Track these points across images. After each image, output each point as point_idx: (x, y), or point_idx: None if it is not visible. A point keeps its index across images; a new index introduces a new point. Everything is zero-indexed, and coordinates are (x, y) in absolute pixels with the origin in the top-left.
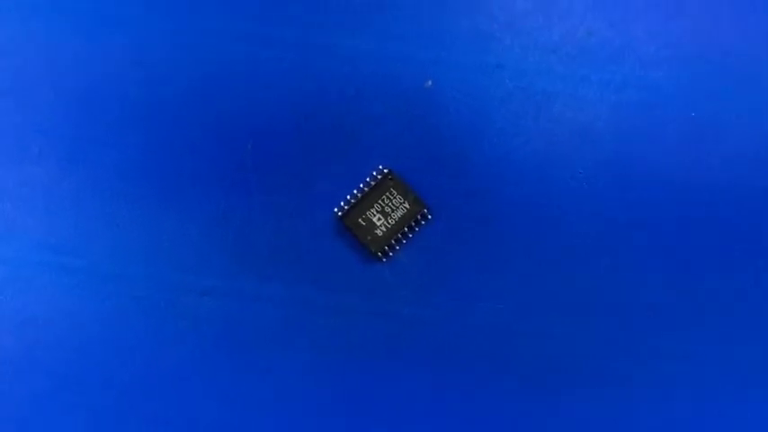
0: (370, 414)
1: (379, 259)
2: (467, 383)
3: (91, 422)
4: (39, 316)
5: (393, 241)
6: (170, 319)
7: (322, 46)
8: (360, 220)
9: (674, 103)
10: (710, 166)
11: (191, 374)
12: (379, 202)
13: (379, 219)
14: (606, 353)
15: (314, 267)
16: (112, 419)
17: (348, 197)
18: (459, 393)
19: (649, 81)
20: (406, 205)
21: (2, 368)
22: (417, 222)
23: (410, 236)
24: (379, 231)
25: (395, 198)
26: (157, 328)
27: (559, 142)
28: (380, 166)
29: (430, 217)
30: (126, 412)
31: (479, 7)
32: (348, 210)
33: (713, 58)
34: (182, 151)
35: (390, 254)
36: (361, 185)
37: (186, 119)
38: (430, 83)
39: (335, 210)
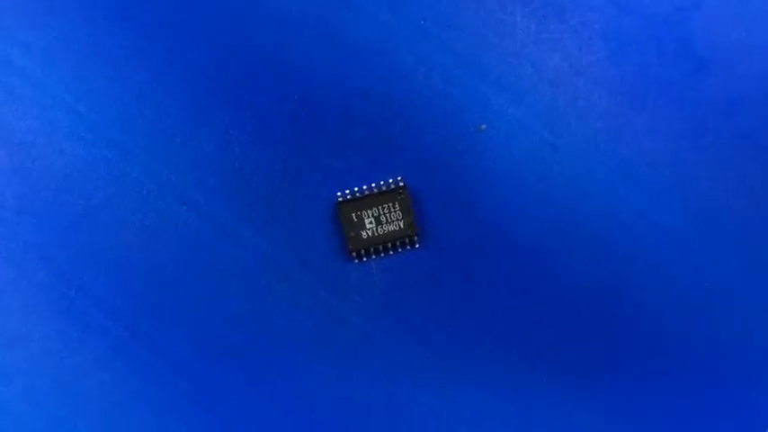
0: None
1: (352, 259)
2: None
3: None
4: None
5: (372, 249)
6: (148, 210)
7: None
8: (353, 214)
9: None
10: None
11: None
12: (379, 208)
13: (371, 223)
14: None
15: (295, 235)
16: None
17: (356, 188)
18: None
19: None
20: (401, 224)
21: None
22: (403, 244)
23: (390, 252)
24: (364, 234)
25: (394, 212)
26: (134, 212)
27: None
28: (399, 177)
29: (417, 246)
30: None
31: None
32: (348, 200)
33: None
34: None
35: (364, 258)
36: (373, 185)
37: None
38: (484, 126)
39: (338, 194)
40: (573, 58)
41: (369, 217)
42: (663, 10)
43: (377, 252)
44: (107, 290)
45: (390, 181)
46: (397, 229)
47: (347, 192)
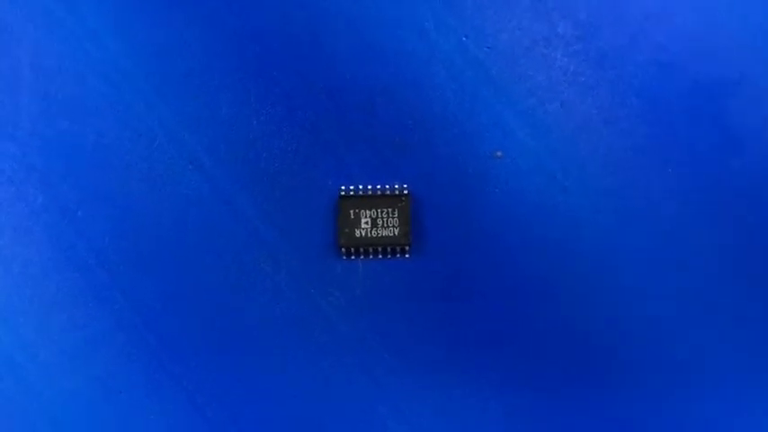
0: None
1: (341, 254)
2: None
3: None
4: None
5: (362, 249)
6: (155, 161)
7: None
8: (352, 211)
9: None
10: None
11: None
12: (378, 210)
13: (367, 223)
14: None
15: (291, 218)
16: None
17: (360, 186)
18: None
19: None
20: (396, 231)
21: None
22: (393, 251)
23: (380, 256)
24: (357, 232)
25: (392, 218)
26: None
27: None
28: (405, 185)
29: (407, 256)
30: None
31: None
32: (350, 196)
33: None
34: None
35: (353, 257)
36: (378, 186)
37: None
38: (500, 154)
39: (342, 187)
40: (604, 107)
41: (366, 217)
42: (704, 80)
43: (366, 253)
44: (98, 228)
45: (396, 186)
46: (391, 235)
47: (351, 187)
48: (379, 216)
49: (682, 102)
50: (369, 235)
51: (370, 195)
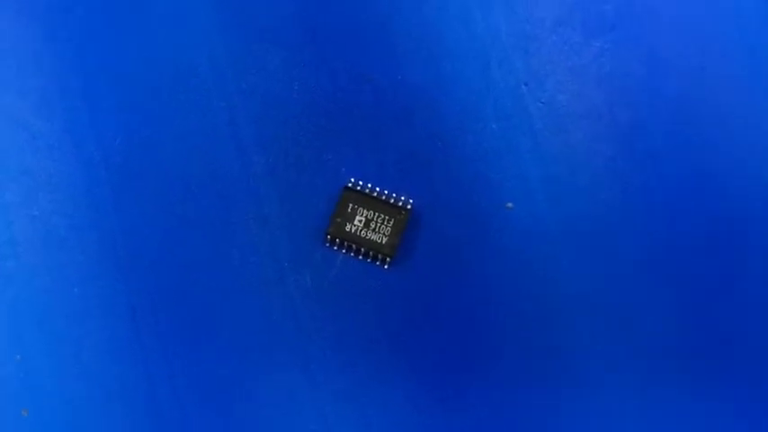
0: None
1: (325, 241)
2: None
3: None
4: None
5: (346, 243)
6: (191, 87)
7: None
8: (351, 204)
9: None
10: None
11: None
12: (376, 214)
13: (360, 221)
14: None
15: (294, 190)
16: None
17: (369, 185)
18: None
19: None
20: (384, 239)
21: None
22: (375, 257)
23: (360, 257)
24: (348, 227)
25: (386, 227)
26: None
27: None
28: (411, 200)
29: (385, 267)
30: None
31: None
32: (356, 190)
33: None
34: None
35: (335, 248)
36: (386, 191)
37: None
38: (511, 205)
39: (352, 180)
40: (631, 190)
41: (361, 215)
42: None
43: (349, 249)
44: (110, 127)
45: (402, 198)
46: (379, 241)
47: (360, 183)
48: (375, 219)
49: (700, 209)
50: (358, 233)
51: (374, 197)
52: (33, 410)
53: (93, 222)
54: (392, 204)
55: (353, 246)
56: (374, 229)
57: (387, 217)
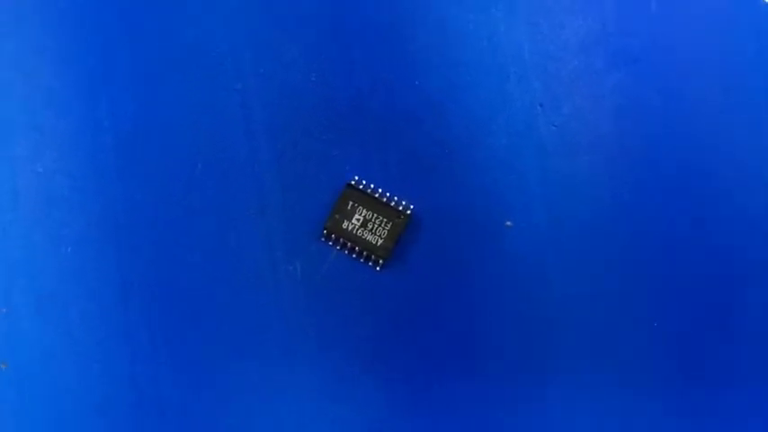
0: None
1: (321, 235)
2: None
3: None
4: None
5: (341, 241)
6: (208, 70)
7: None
8: (351, 202)
9: None
10: None
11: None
12: (374, 215)
13: (357, 220)
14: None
15: (298, 179)
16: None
17: (372, 185)
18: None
19: None
20: (379, 242)
21: None
22: (368, 258)
23: (354, 255)
24: (346, 224)
25: (383, 229)
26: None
27: None
28: (411, 206)
29: (377, 269)
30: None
31: None
32: (358, 189)
33: None
34: None
35: (331, 243)
36: (388, 194)
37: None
38: (509, 224)
39: (356, 177)
40: (634, 229)
41: (360, 214)
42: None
43: (344, 246)
44: (124, 95)
45: (403, 203)
46: (374, 243)
47: (363, 182)
48: (373, 220)
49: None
50: (354, 232)
51: (375, 198)
52: (13, 364)
53: (95, 187)
54: (392, 207)
55: (348, 244)
56: (371, 230)
57: (385, 219)
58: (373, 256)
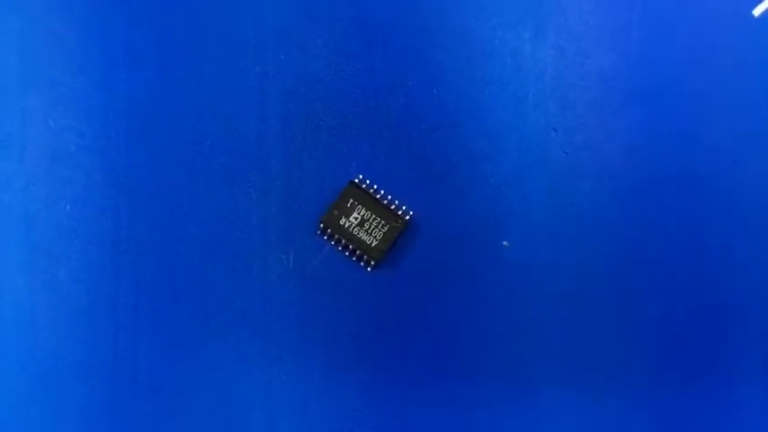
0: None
1: (316, 229)
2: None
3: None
4: None
5: (337, 236)
6: (230, 49)
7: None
8: (351, 200)
9: None
10: None
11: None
12: (372, 215)
13: (355, 219)
14: None
15: (302, 171)
16: None
17: (375, 186)
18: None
19: None
20: (374, 243)
21: None
22: (360, 258)
23: (347, 253)
24: (343, 221)
25: (379, 231)
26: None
27: None
28: (411, 212)
29: (369, 269)
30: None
31: None
32: (360, 187)
33: None
34: None
35: (325, 237)
36: (389, 196)
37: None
38: (506, 243)
39: (360, 176)
40: (634, 268)
41: (358, 213)
42: None
43: (338, 242)
44: (143, 61)
45: (403, 207)
46: (368, 243)
47: (366, 181)
48: (370, 221)
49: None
50: (350, 230)
51: (376, 199)
52: None
53: (102, 148)
54: (391, 210)
55: (343, 241)
56: (367, 230)
57: (383, 221)
58: (366, 257)
